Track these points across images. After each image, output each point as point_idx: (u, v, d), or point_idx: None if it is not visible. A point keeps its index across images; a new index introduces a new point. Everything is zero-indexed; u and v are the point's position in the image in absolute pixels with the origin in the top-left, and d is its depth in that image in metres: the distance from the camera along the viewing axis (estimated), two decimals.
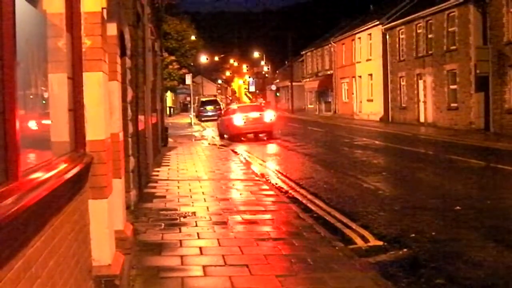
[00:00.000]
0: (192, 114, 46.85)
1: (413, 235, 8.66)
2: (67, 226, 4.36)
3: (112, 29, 7.03)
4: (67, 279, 4.24)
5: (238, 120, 29.43)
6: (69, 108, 4.92)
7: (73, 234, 4.60)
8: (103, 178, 5.46)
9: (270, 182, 14.20)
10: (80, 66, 5.22)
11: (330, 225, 9.46)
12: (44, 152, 4.13)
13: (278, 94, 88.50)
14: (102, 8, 5.58)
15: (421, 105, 36.60)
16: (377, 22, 44.08)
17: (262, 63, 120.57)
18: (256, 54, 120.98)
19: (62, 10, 4.86)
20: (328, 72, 58.87)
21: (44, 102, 4.15)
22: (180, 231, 8.62)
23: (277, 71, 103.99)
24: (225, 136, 31.04)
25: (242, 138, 29.46)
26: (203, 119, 53.85)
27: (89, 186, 5.35)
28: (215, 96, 79.37)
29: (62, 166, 4.26)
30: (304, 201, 11.66)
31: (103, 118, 5.51)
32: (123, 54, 8.87)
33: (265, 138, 29.36)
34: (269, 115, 30.33)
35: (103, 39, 5.55)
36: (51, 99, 4.31)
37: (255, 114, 29.98)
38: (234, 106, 36.37)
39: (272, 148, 25.05)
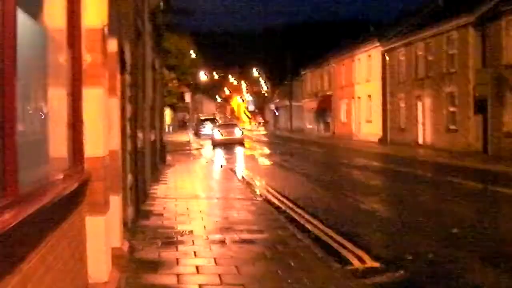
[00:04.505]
0: (191, 132, 47.00)
1: (410, 257, 8.62)
2: (64, 242, 4.34)
3: (112, 45, 7.05)
4: None
5: (217, 134, 42.12)
6: (68, 124, 4.92)
7: (70, 251, 4.57)
8: (100, 195, 5.44)
9: (268, 202, 14.16)
10: (80, 82, 5.22)
11: (327, 245, 9.41)
12: (42, 167, 4.12)
13: (277, 113, 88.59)
14: (103, 25, 5.60)
15: (420, 126, 36.64)
16: (377, 44, 44.19)
17: (262, 82, 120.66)
18: (255, 73, 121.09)
19: (64, 25, 4.87)
20: (328, 93, 58.96)
21: (43, 117, 4.14)
22: (177, 249, 8.57)
23: (277, 90, 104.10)
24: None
25: (222, 147, 38.94)
26: (201, 137, 54.04)
27: (87, 203, 5.32)
28: (214, 114, 79.39)
29: (60, 182, 4.25)
30: (301, 221, 11.61)
31: (102, 134, 5.51)
32: (123, 70, 8.88)
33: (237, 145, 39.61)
34: (239, 131, 43.22)
35: (103, 56, 5.57)
36: (51, 114, 4.30)
37: (229, 130, 42.68)
38: (216, 124, 51.85)
39: (271, 168, 25.03)
